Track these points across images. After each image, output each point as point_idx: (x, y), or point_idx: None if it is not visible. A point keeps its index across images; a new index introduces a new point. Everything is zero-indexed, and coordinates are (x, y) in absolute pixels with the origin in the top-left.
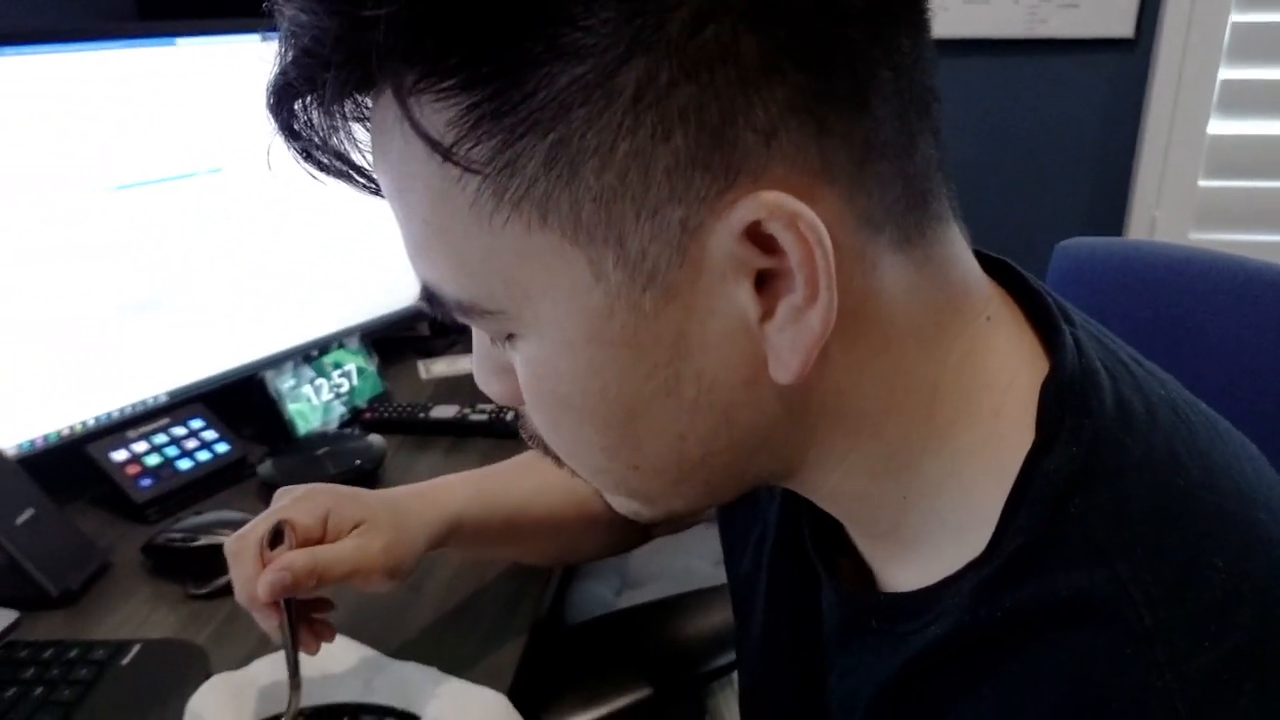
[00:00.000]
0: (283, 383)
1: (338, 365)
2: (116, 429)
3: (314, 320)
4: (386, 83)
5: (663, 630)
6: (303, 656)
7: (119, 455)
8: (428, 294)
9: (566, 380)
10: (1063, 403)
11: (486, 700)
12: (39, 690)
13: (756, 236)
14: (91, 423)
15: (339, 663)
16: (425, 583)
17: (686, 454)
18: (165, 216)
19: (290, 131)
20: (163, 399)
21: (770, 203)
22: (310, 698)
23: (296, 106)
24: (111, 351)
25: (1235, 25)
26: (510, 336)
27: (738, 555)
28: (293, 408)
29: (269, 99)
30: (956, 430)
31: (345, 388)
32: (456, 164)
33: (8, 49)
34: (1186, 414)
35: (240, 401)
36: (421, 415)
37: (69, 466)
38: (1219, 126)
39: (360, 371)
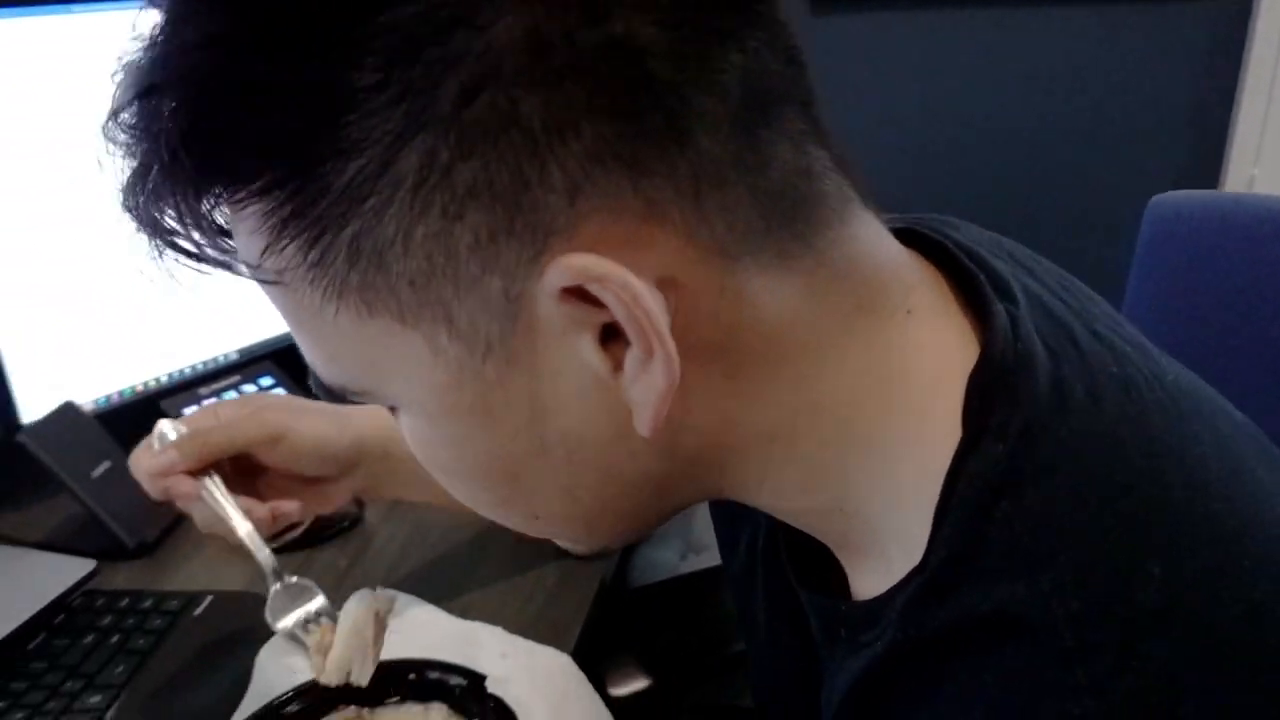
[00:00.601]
0: None
1: None
2: (188, 386)
3: None
4: (185, 198)
5: (725, 595)
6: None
7: (191, 411)
8: (313, 376)
9: (440, 448)
10: (989, 394)
11: (552, 660)
12: (115, 638)
13: (584, 294)
14: (165, 379)
15: (404, 620)
16: (490, 543)
17: (582, 502)
18: None
19: (158, 231)
20: (233, 357)
21: (575, 267)
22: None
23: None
24: (183, 310)
25: None
26: (392, 408)
27: (730, 552)
28: None
29: (127, 213)
30: (880, 437)
31: None
32: (263, 280)
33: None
34: (1140, 392)
35: None
36: None
37: (143, 422)
38: None
39: None
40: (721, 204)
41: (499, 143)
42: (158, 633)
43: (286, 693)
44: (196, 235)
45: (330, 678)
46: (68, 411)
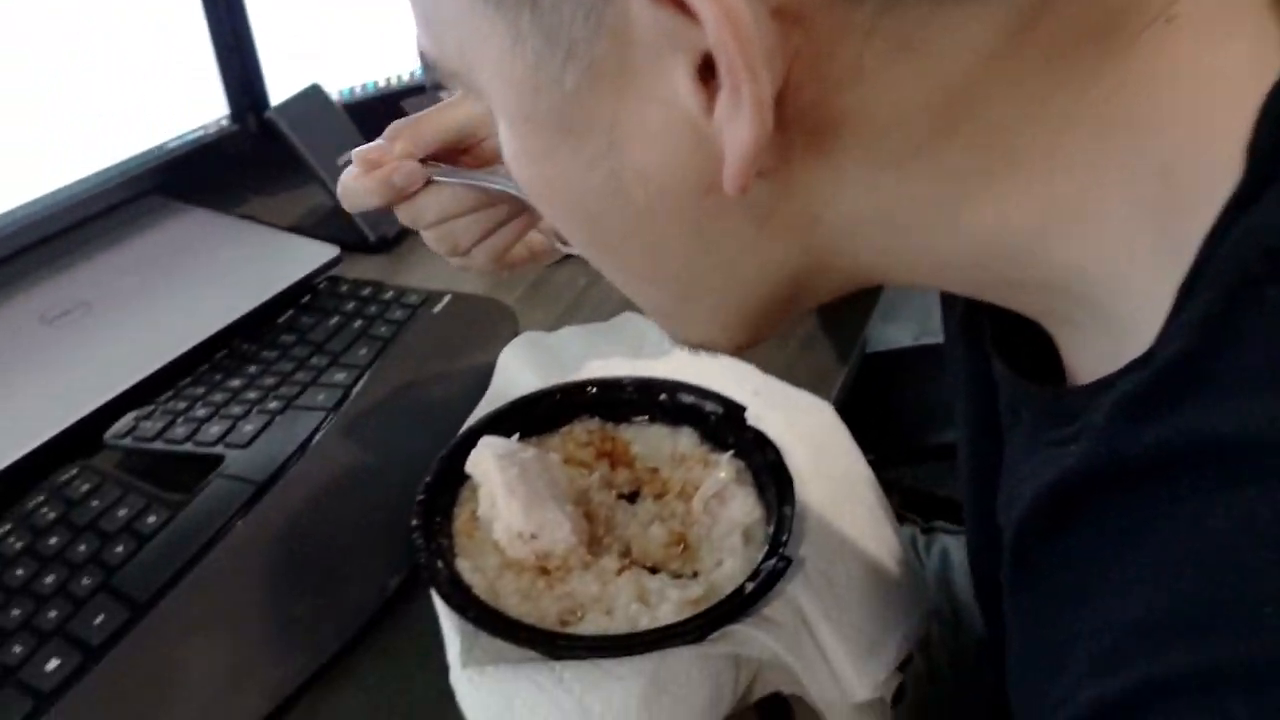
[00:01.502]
0: None
1: None
2: (432, 87)
3: None
4: None
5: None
6: (615, 334)
7: None
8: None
9: (523, 163)
10: None
11: (811, 406)
12: (358, 323)
13: (683, 5)
14: (406, 78)
15: (646, 348)
16: None
17: (671, 268)
18: None
19: None
20: None
21: None
22: (629, 371)
23: None
24: None
25: None
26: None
27: (948, 307)
28: None
29: None
30: (1102, 198)
31: None
32: None
33: None
34: None
35: None
36: None
37: (386, 121)
38: None
39: None
40: None
41: None
42: (398, 323)
43: (530, 395)
44: None
45: None
46: (315, 94)
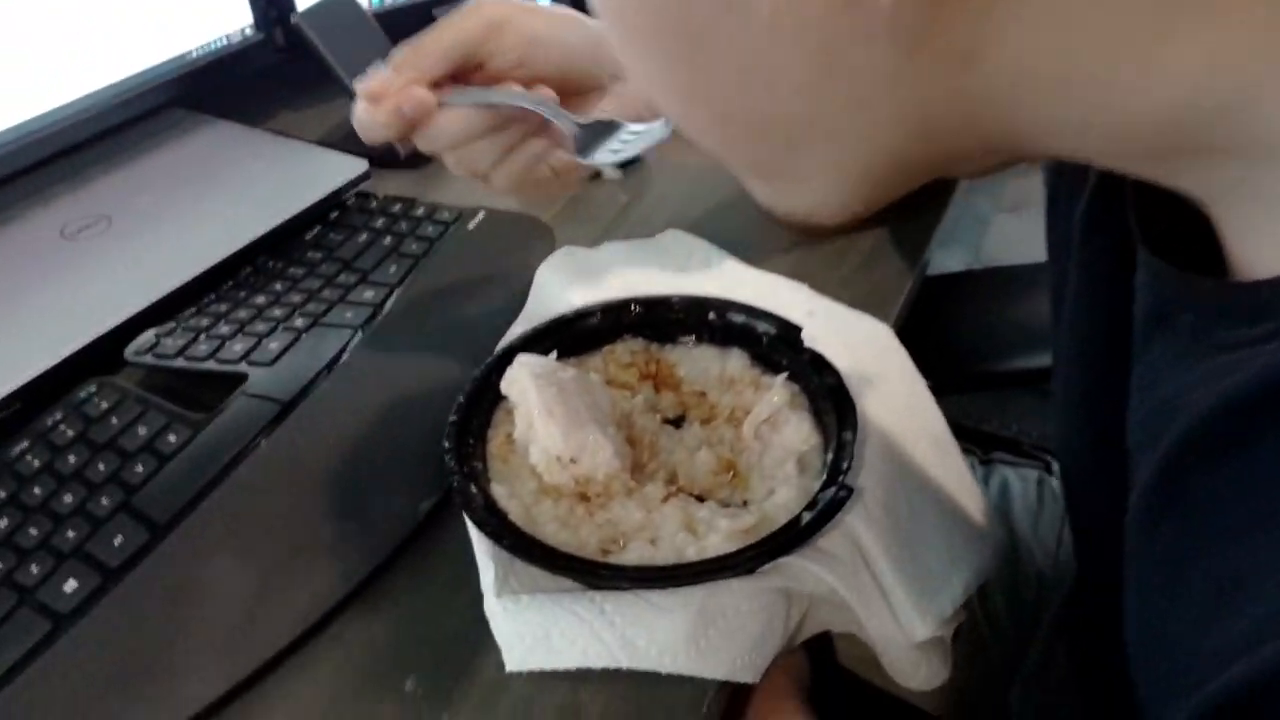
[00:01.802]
0: None
1: None
2: None
3: None
4: None
5: (1009, 300)
6: (659, 251)
7: None
8: None
9: None
10: None
11: (869, 328)
12: (388, 240)
13: None
14: None
15: (691, 264)
16: None
17: (788, 108)
18: None
19: None
20: None
21: None
22: (673, 289)
23: None
24: None
25: None
26: None
27: (1059, 212)
28: None
29: None
30: None
31: None
32: None
33: None
34: None
35: None
36: None
37: (419, 29)
38: None
39: None
40: None
41: None
42: (430, 240)
43: (572, 312)
44: None
45: None
46: (343, 1)
